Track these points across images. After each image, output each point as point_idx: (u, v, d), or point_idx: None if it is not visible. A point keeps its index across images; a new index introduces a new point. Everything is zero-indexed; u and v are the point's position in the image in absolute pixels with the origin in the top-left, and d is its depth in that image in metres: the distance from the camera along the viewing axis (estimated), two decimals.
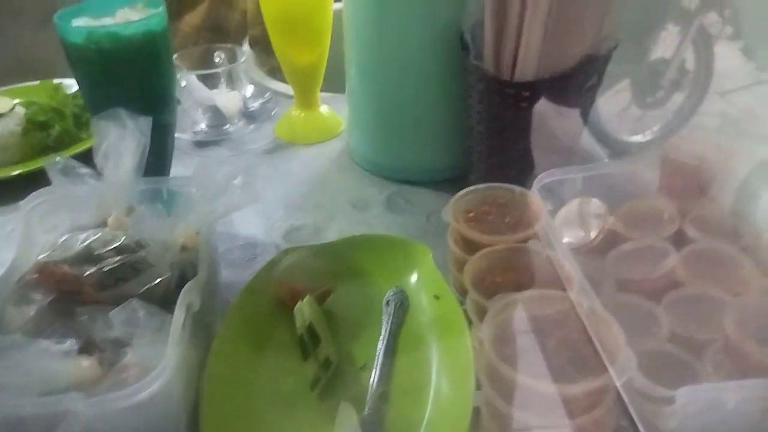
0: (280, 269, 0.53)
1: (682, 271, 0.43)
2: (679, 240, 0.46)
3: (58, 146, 0.73)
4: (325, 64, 0.77)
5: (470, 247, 0.45)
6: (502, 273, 0.42)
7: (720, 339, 0.36)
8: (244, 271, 0.55)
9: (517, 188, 0.49)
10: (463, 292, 0.48)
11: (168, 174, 0.62)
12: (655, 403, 0.33)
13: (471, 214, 0.47)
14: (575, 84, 0.55)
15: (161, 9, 0.54)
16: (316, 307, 0.48)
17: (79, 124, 0.76)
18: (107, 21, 0.54)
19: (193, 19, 0.96)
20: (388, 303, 0.51)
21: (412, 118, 0.66)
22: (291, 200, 0.68)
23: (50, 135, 0.74)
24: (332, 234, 0.62)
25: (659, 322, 0.40)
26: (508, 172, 0.57)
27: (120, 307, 0.37)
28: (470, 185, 0.65)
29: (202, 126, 0.80)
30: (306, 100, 0.79)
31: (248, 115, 0.83)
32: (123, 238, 0.43)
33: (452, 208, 0.48)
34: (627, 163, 0.56)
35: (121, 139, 0.44)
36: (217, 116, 0.80)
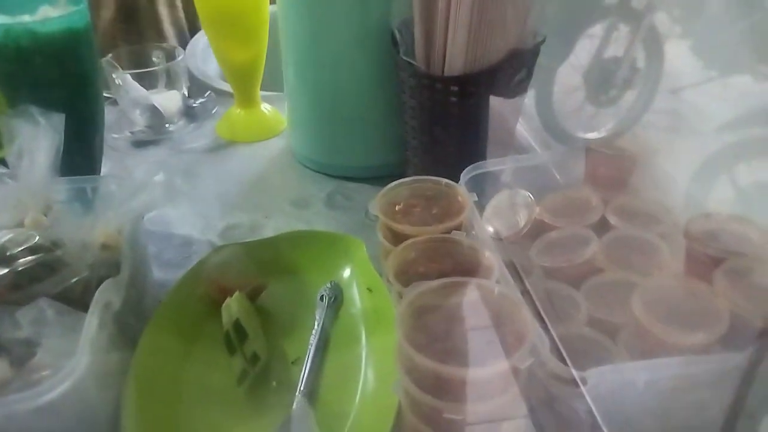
0: (211, 267, 0.52)
1: (603, 257, 0.44)
2: (602, 228, 0.47)
3: None
4: (263, 61, 0.76)
5: (398, 239, 0.45)
6: (426, 263, 0.42)
7: (632, 321, 0.37)
8: (178, 271, 0.54)
9: (444, 180, 0.49)
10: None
11: (97, 171, 0.60)
12: (568, 385, 0.34)
13: (399, 207, 0.48)
14: (503, 77, 0.56)
15: (82, 6, 0.53)
16: (246, 304, 0.48)
17: None
18: (26, 18, 0.52)
19: (105, 13, 0.96)
20: (321, 298, 0.51)
21: (349, 116, 0.66)
22: (229, 199, 0.68)
23: None
24: (269, 232, 0.61)
25: (579, 307, 0.41)
26: (442, 166, 0.58)
27: (27, 306, 0.36)
28: None
29: (141, 126, 0.79)
30: (246, 99, 0.79)
31: (189, 114, 0.82)
32: (37, 238, 0.42)
33: (380, 202, 0.48)
34: (554, 155, 0.57)
35: (33, 138, 0.43)
36: (157, 116, 0.79)
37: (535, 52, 0.57)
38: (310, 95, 0.68)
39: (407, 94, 0.59)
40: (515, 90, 0.59)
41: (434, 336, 0.33)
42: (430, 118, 0.58)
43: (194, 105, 0.82)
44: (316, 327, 0.48)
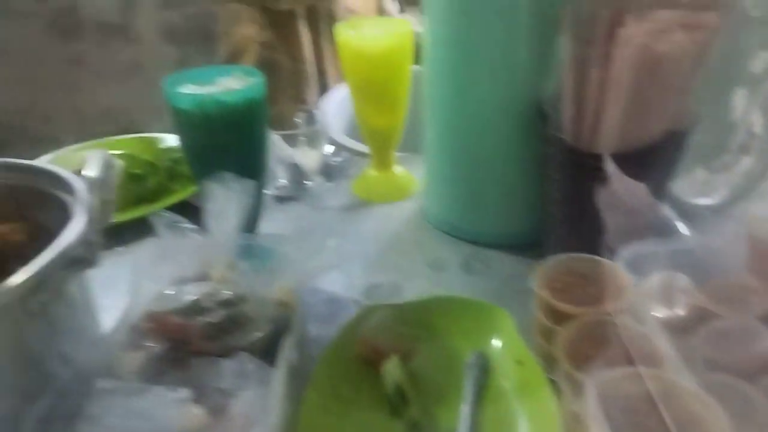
0: (364, 327, 0.55)
1: None
2: None
3: (153, 197, 0.78)
4: (402, 126, 0.80)
5: (556, 316, 0.46)
6: (592, 345, 0.42)
7: None
8: (327, 326, 0.57)
9: (601, 260, 0.50)
10: (548, 361, 0.48)
11: (257, 228, 0.65)
12: None
13: (556, 284, 0.48)
14: (656, 158, 0.56)
15: (260, 78, 0.59)
16: (403, 368, 0.50)
17: (171, 177, 0.81)
18: (210, 89, 0.59)
19: None
20: (470, 366, 0.52)
21: (488, 182, 0.68)
22: (369, 258, 0.71)
23: (145, 187, 0.79)
24: (410, 293, 0.64)
25: (755, 406, 0.40)
26: (585, 241, 0.58)
27: (231, 359, 0.39)
28: (547, 251, 0.66)
29: (283, 181, 0.84)
30: (382, 161, 0.83)
31: (326, 172, 0.87)
32: (227, 293, 0.46)
33: (538, 277, 0.49)
34: (711, 239, 0.56)
35: (227, 201, 0.47)
36: (297, 172, 0.84)
37: (689, 133, 0.57)
38: (449, 159, 0.70)
39: (553, 167, 0.60)
40: (665, 171, 0.59)
41: (619, 427, 0.33)
42: (576, 193, 0.59)
43: (332, 164, 0.87)
44: (467, 396, 0.49)
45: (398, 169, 0.85)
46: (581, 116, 0.56)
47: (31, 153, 2.15)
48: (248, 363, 0.39)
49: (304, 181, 0.84)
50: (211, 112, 0.55)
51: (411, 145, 0.86)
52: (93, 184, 0.41)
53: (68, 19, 1.94)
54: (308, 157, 0.84)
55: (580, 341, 0.43)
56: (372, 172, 0.84)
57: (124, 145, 0.90)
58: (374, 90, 0.76)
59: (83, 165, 0.79)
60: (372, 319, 0.55)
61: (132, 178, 0.79)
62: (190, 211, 0.80)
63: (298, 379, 0.48)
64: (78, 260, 0.40)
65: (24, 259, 0.52)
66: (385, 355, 0.51)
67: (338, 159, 0.88)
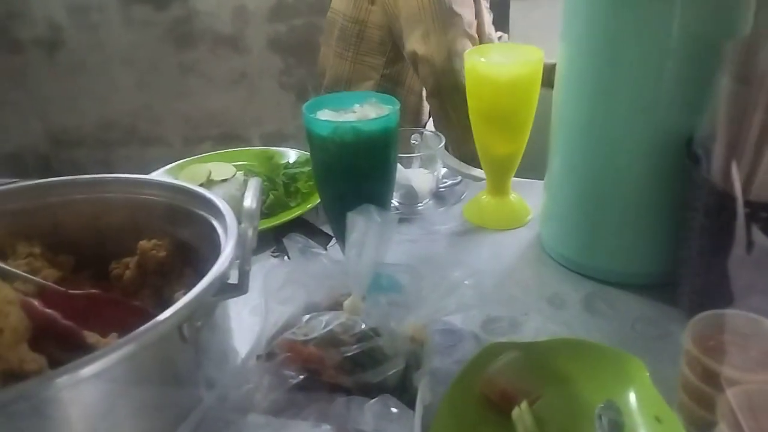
0: (488, 366, 0.53)
1: None
2: None
3: (270, 212, 0.80)
4: (521, 153, 0.78)
5: (710, 378, 0.43)
6: (755, 416, 0.39)
7: None
8: (445, 358, 0.56)
9: (765, 320, 0.46)
10: (694, 423, 0.45)
11: None
12: None
13: (711, 342, 0.45)
14: None
15: (397, 107, 0.59)
16: (533, 414, 0.48)
17: (288, 193, 0.83)
18: (347, 116, 0.59)
19: None
20: (600, 417, 0.49)
21: (618, 218, 0.65)
22: (484, 289, 0.69)
23: (264, 202, 0.81)
24: (529, 330, 0.62)
25: None
26: (726, 292, 0.54)
27: (375, 399, 0.39)
28: (681, 298, 0.62)
29: (396, 203, 0.84)
30: (498, 187, 0.81)
31: (438, 196, 0.86)
32: (362, 326, 0.45)
33: (689, 332, 0.46)
34: None
35: (367, 232, 0.47)
36: (410, 194, 0.84)
37: None
38: (576, 191, 0.68)
39: (698, 211, 0.56)
40: None
41: None
42: (723, 242, 0.55)
43: (444, 187, 0.86)
44: None
45: (513, 196, 0.83)
46: (737, 161, 0.52)
47: (140, 151, 2.28)
48: (391, 405, 0.39)
49: (417, 204, 0.84)
50: (348, 139, 0.55)
51: (527, 171, 0.84)
52: (250, 215, 0.42)
53: (184, 29, 2.04)
54: (422, 180, 0.84)
55: (743, 411, 0.40)
56: (486, 198, 0.83)
57: (243, 157, 0.93)
58: (498, 117, 0.74)
59: (211, 176, 0.83)
60: (497, 359, 0.54)
61: None
62: (305, 227, 0.81)
63: (426, 417, 0.47)
64: (230, 287, 0.41)
65: (163, 274, 0.54)
66: (512, 398, 0.49)
67: (452, 182, 0.87)
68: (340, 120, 0.57)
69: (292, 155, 0.92)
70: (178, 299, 0.50)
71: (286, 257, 0.57)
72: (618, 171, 0.63)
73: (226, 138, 2.22)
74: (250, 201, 0.43)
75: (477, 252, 0.76)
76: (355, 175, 0.58)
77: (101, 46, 2.07)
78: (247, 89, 2.14)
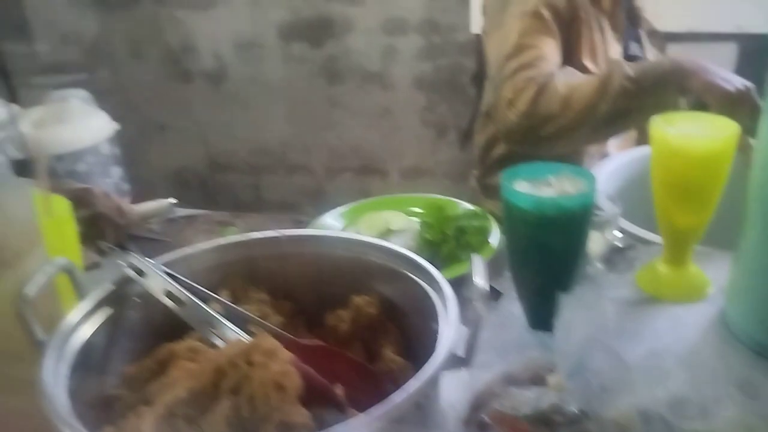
0: None
1: None
2: None
3: (442, 265, 0.84)
4: (707, 224, 0.76)
5: None
6: None
7: None
8: None
9: None
10: None
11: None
12: None
13: None
14: None
15: (593, 181, 0.60)
16: None
17: (458, 246, 0.86)
18: (544, 189, 0.61)
19: None
20: None
21: None
22: (663, 365, 0.68)
23: (438, 254, 0.84)
24: (723, 419, 0.60)
25: None
26: None
27: None
28: None
29: None
30: (677, 257, 0.79)
31: (609, 260, 0.85)
32: (573, 409, 0.47)
33: None
34: None
35: (579, 312, 0.49)
36: None
37: None
38: None
39: None
40: None
41: None
42: None
43: (617, 252, 0.85)
44: None
45: (692, 266, 0.80)
46: None
47: (287, 178, 2.44)
48: None
49: (586, 267, 0.84)
50: (549, 213, 0.58)
51: (709, 240, 0.81)
52: (481, 294, 0.45)
53: (336, 65, 2.17)
54: (593, 242, 0.84)
55: None
56: (661, 266, 0.81)
57: (413, 204, 0.97)
58: (685, 189, 0.73)
59: (388, 226, 0.87)
60: None
61: (426, 244, 0.86)
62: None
63: None
64: (458, 360, 0.44)
65: (372, 329, 0.59)
66: None
67: (624, 247, 0.86)
68: (542, 195, 0.60)
69: (460, 207, 0.95)
70: (387, 356, 0.55)
71: None
72: None
73: (365, 170, 2.32)
74: (480, 279, 0.46)
75: (652, 324, 0.75)
76: (550, 246, 0.60)
77: (260, 79, 2.24)
78: (390, 124, 2.23)
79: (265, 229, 1.06)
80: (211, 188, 2.44)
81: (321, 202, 2.45)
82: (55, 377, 0.45)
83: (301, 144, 2.32)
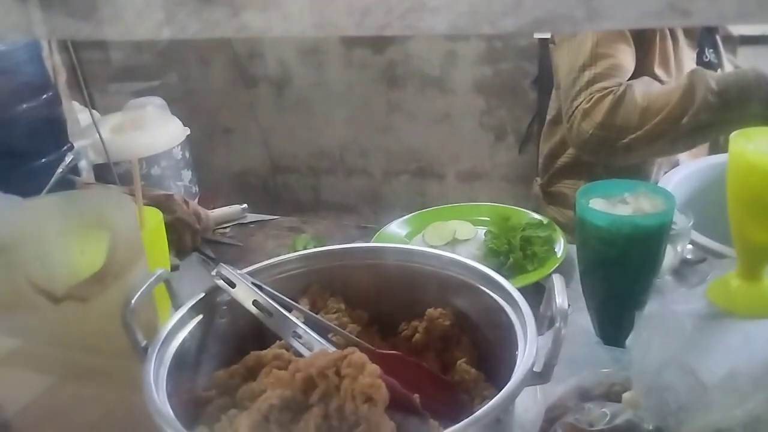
0: None
1: None
2: None
3: (509, 275, 0.84)
4: None
5: None
6: None
7: None
8: None
9: None
10: None
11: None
12: None
13: None
14: None
15: (672, 201, 0.60)
16: None
17: (525, 256, 0.87)
18: (619, 206, 0.62)
19: None
20: None
21: None
22: (741, 386, 0.67)
23: (503, 264, 0.85)
24: None
25: None
26: None
27: None
28: None
29: None
30: (752, 271, 0.78)
31: (679, 273, 0.84)
32: (650, 425, 0.48)
33: None
34: None
35: (656, 334, 0.49)
36: None
37: None
38: None
39: None
40: None
41: None
42: None
43: (688, 265, 0.84)
44: None
45: (766, 281, 0.79)
46: None
47: (345, 180, 2.49)
48: None
49: (656, 279, 0.83)
50: (626, 232, 0.58)
51: None
52: (563, 314, 0.47)
53: (397, 70, 2.19)
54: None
55: None
56: (735, 280, 0.79)
57: (478, 212, 0.99)
58: (762, 206, 0.72)
59: (455, 235, 0.89)
60: None
61: (492, 253, 0.87)
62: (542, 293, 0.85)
63: None
64: (535, 375, 0.46)
65: (445, 340, 0.60)
66: None
67: (695, 260, 0.85)
68: (619, 213, 0.60)
69: (526, 216, 0.96)
70: (461, 367, 0.56)
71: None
72: None
73: (422, 172, 2.34)
74: (562, 299, 0.47)
75: (725, 341, 0.74)
76: (625, 264, 0.61)
77: (322, 84, 2.29)
78: (448, 128, 2.24)
79: (333, 235, 1.09)
80: (272, 190, 2.51)
81: (378, 204, 2.49)
82: (156, 381, 0.49)
83: (359, 147, 2.36)
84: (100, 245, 0.54)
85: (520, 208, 0.99)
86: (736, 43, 1.33)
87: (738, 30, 1.35)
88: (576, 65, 1.04)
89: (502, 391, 0.43)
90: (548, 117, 1.29)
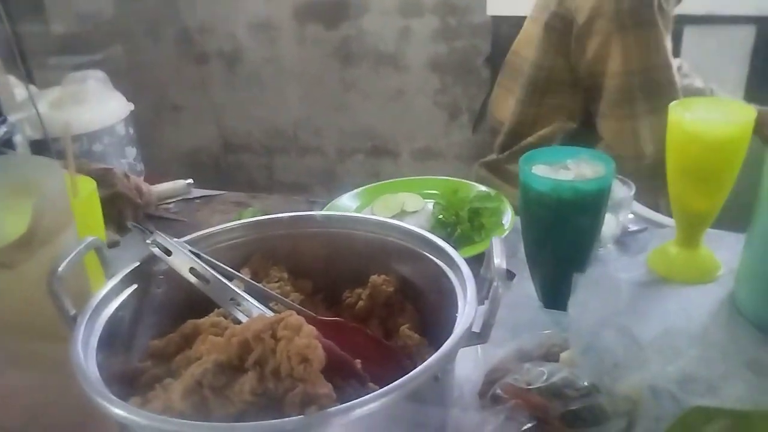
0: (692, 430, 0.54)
1: None
2: None
3: (456, 246, 0.85)
4: (720, 208, 0.77)
5: None
6: None
7: None
8: None
9: None
10: None
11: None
12: None
13: None
14: None
15: (611, 165, 0.61)
16: None
17: (472, 227, 0.87)
18: (562, 172, 0.62)
19: None
20: None
21: None
22: (674, 343, 0.69)
23: (451, 235, 0.86)
24: (729, 395, 0.61)
25: None
26: None
27: None
28: None
29: None
30: (689, 239, 0.80)
31: (621, 243, 0.86)
32: (585, 383, 0.48)
33: None
34: None
35: (592, 292, 0.50)
36: None
37: None
38: None
39: None
40: None
41: None
42: None
43: (629, 234, 0.86)
44: None
45: (703, 249, 0.81)
46: None
47: (298, 159, 2.44)
48: None
49: (598, 248, 0.85)
50: (566, 197, 0.59)
51: (721, 223, 0.82)
52: (500, 273, 0.47)
53: (350, 47, 2.17)
54: (606, 225, 0.85)
55: None
56: (673, 248, 0.82)
57: (427, 185, 0.99)
58: (700, 174, 0.74)
59: (404, 207, 0.88)
60: (707, 427, 0.54)
61: (440, 224, 0.87)
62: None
63: None
64: (474, 336, 0.46)
65: (389, 306, 0.60)
66: None
67: (636, 229, 0.87)
68: (560, 178, 0.61)
69: (474, 189, 0.96)
70: (404, 332, 0.56)
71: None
72: None
73: (376, 151, 2.33)
74: (500, 260, 0.47)
75: (663, 305, 0.76)
76: (566, 229, 0.61)
77: (275, 60, 2.25)
78: (402, 106, 2.23)
79: (281, 210, 1.08)
80: (224, 169, 2.46)
81: (332, 184, 2.46)
82: (85, 350, 0.47)
83: (313, 126, 2.33)
84: (27, 211, 0.51)
85: (469, 182, 0.99)
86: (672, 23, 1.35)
87: (683, 10, 1.37)
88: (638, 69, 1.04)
89: (440, 350, 0.43)
90: (521, 96, 1.24)
